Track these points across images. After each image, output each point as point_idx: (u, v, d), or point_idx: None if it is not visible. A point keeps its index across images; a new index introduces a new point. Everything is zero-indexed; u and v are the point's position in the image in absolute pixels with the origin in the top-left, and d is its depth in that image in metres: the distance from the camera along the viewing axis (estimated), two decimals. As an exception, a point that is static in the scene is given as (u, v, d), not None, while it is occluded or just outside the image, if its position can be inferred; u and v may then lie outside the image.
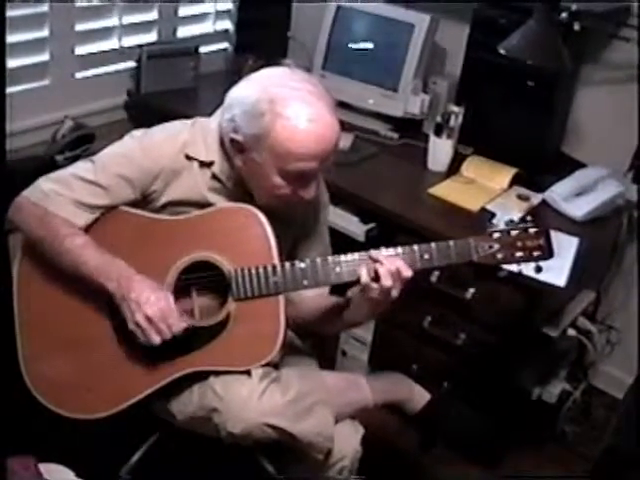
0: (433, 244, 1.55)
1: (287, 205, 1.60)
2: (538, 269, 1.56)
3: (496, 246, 1.56)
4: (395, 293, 1.52)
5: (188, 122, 1.65)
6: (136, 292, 1.52)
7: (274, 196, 1.56)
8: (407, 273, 1.52)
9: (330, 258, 1.57)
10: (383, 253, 1.54)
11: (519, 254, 1.56)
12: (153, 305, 1.50)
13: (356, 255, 1.55)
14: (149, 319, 1.50)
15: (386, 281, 1.50)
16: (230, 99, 1.56)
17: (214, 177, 1.62)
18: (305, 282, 1.56)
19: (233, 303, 1.57)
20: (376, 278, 1.51)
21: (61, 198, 1.58)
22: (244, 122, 1.50)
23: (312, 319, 1.75)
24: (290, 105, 1.46)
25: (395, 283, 1.51)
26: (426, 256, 1.55)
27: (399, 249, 1.55)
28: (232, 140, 1.54)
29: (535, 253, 1.56)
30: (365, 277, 1.52)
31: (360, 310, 1.62)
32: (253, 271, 1.56)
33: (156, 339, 1.51)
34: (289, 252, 1.73)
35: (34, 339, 1.66)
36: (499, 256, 1.56)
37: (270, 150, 1.49)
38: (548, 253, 1.57)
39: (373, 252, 1.54)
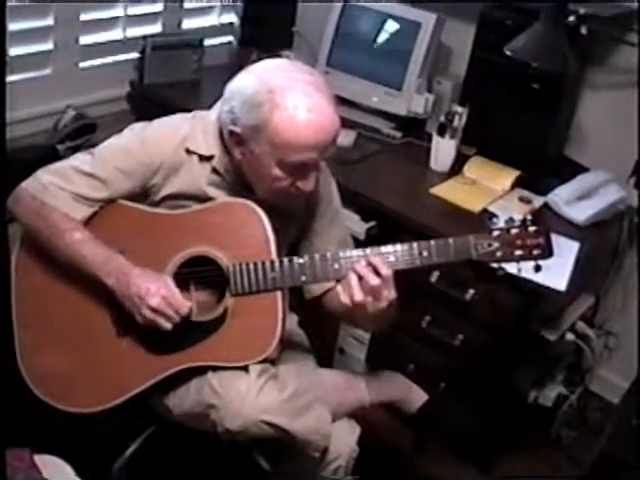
0: (432, 241, 1.54)
1: (287, 199, 1.59)
2: (537, 268, 1.55)
3: (496, 244, 1.54)
4: (387, 293, 1.50)
5: (188, 115, 1.65)
6: (135, 286, 1.52)
7: (273, 189, 1.55)
8: (384, 270, 1.49)
9: (329, 254, 1.56)
10: (382, 250, 1.53)
11: (519, 252, 1.55)
12: (155, 295, 1.51)
13: (354, 252, 1.55)
14: (154, 310, 1.51)
15: (370, 280, 1.48)
16: (229, 91, 1.55)
17: (214, 171, 1.61)
18: (303, 278, 1.56)
19: (231, 298, 1.57)
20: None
21: (60, 191, 1.58)
22: (243, 113, 1.50)
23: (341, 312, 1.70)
24: (289, 96, 1.45)
25: (374, 282, 1.48)
26: (425, 253, 1.54)
27: (398, 246, 1.54)
28: (231, 132, 1.53)
29: (535, 252, 1.55)
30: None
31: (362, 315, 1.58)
32: (251, 266, 1.55)
33: (167, 326, 1.53)
34: (293, 246, 1.73)
35: (31, 331, 1.65)
36: (498, 254, 1.54)
37: (269, 141, 1.48)
38: (548, 252, 1.55)
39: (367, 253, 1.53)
